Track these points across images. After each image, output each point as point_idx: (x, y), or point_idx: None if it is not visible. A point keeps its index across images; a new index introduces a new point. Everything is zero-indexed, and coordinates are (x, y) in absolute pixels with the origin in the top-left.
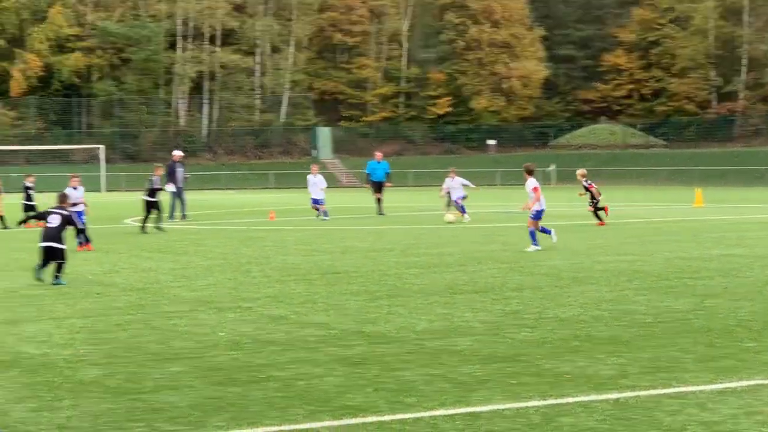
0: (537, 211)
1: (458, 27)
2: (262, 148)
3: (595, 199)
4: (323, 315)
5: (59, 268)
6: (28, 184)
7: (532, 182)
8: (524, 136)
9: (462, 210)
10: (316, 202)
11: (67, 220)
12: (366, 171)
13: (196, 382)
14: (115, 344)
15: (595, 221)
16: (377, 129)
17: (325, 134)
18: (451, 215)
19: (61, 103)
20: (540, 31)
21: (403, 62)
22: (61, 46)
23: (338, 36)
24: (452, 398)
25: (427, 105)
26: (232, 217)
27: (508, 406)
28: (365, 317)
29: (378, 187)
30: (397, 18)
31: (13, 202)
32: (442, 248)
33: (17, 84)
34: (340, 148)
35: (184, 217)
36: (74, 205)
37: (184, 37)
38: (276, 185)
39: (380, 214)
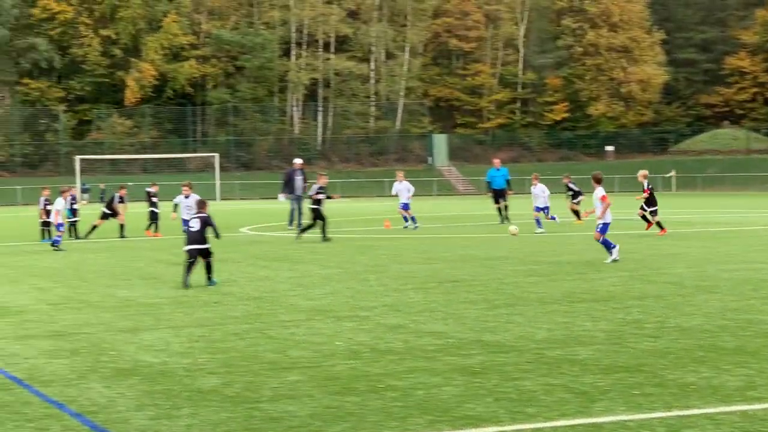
0: (604, 224)
1: (575, 32)
2: (377, 156)
3: (652, 204)
4: (441, 324)
5: (209, 269)
6: (152, 192)
7: (599, 191)
8: (643, 141)
9: (545, 219)
10: (405, 207)
11: (206, 223)
12: (486, 179)
13: (315, 391)
14: (233, 353)
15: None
16: (493, 136)
17: (440, 141)
18: (514, 227)
19: (176, 111)
20: (660, 35)
21: (520, 68)
22: (175, 55)
23: (453, 42)
24: (573, 409)
25: (544, 111)
26: (348, 225)
27: (631, 417)
28: (484, 326)
29: (498, 195)
30: (512, 23)
31: (133, 211)
32: (560, 256)
33: (131, 93)
34: (455, 155)
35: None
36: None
37: (298, 44)
38: (391, 193)
39: (503, 222)
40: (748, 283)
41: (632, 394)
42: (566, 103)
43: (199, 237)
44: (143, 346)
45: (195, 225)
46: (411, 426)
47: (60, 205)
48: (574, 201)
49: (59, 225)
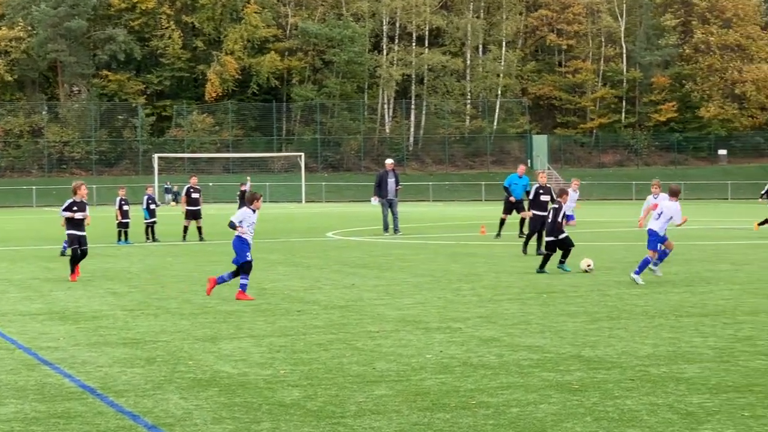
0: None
1: (676, 28)
2: (472, 157)
3: None
4: (538, 337)
5: (565, 255)
6: (244, 190)
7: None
8: (758, 145)
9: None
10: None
11: (557, 214)
12: (505, 185)
13: (402, 406)
14: (316, 365)
15: None
16: (596, 137)
17: (540, 142)
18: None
19: (260, 108)
20: None
21: (623, 65)
22: (259, 48)
23: (552, 36)
24: (679, 430)
25: (650, 111)
26: (440, 231)
27: None
28: (584, 340)
29: (516, 206)
30: (614, 18)
31: (212, 212)
32: (667, 267)
33: (212, 87)
34: (556, 157)
35: (396, 231)
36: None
37: (390, 38)
38: (487, 197)
39: (498, 236)
40: None
41: (742, 415)
42: (674, 103)
43: (556, 228)
44: (222, 356)
45: (550, 215)
46: None
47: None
48: None
49: None
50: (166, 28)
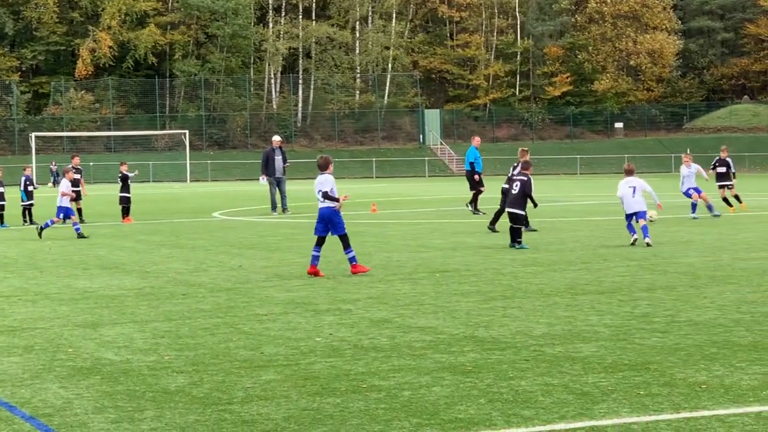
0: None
1: None
2: (363, 133)
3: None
4: (431, 318)
5: (517, 233)
6: (125, 173)
7: None
8: (655, 118)
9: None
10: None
11: (524, 187)
12: (470, 160)
13: (291, 391)
14: (202, 350)
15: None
16: (489, 111)
17: (433, 117)
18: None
19: (142, 84)
20: (671, 0)
21: (517, 36)
22: (139, 22)
23: (444, 8)
24: (574, 410)
25: (544, 84)
26: None
27: (636, 419)
28: (477, 320)
29: (480, 181)
30: None
31: (95, 194)
32: (563, 244)
33: (83, 64)
34: (449, 132)
35: (285, 210)
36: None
37: (275, 10)
38: (379, 174)
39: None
40: (767, 274)
41: (638, 394)
42: (568, 75)
43: (517, 201)
44: (104, 343)
45: (515, 187)
46: (395, 429)
47: (64, 186)
48: (724, 184)
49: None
50: None
